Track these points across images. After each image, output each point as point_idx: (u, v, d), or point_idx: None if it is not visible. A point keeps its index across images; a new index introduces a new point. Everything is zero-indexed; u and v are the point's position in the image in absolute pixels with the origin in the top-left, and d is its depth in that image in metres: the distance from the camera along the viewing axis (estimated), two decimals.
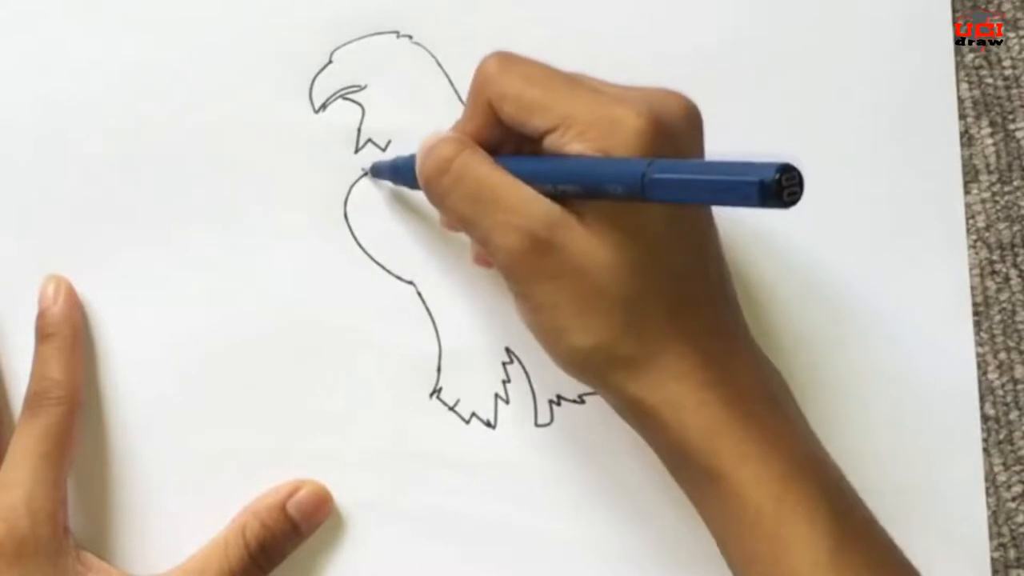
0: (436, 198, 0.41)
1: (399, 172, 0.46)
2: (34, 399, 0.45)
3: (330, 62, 0.49)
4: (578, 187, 0.37)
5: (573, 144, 0.38)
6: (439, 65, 0.49)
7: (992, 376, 0.48)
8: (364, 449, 0.48)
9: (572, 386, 0.48)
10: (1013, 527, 0.48)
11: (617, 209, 0.38)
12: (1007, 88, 0.50)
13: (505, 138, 0.41)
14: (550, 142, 0.39)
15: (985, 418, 0.48)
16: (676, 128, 0.39)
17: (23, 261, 0.48)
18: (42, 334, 0.46)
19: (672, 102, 0.40)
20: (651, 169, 0.34)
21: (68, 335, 0.46)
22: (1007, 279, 0.49)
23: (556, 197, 0.38)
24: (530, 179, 0.39)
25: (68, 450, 0.45)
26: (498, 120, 0.40)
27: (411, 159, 0.43)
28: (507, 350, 0.48)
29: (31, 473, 0.44)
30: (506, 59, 0.40)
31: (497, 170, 0.40)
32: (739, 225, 0.49)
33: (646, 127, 0.37)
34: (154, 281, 0.48)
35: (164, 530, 0.47)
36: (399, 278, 0.49)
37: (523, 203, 0.38)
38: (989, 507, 0.47)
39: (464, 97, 0.49)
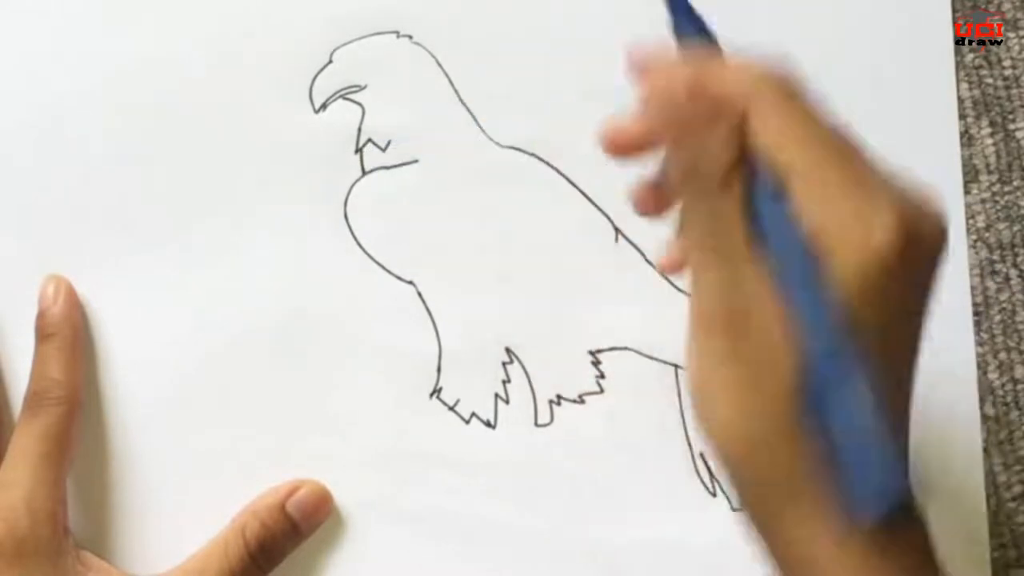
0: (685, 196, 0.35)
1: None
2: (34, 399, 0.45)
3: (330, 62, 0.49)
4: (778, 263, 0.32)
5: (811, 204, 0.32)
6: (439, 65, 0.49)
7: (992, 376, 0.48)
8: (364, 449, 0.48)
9: (572, 386, 0.48)
10: (1013, 527, 0.48)
11: None
12: (1007, 88, 0.50)
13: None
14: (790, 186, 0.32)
15: (985, 418, 0.48)
16: (923, 255, 0.33)
17: (23, 261, 0.48)
18: (42, 334, 0.46)
19: (932, 218, 0.34)
20: None
21: (68, 335, 0.46)
22: (1007, 279, 0.49)
23: None
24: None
25: (68, 450, 0.45)
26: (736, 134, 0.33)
27: None
28: (507, 350, 0.48)
29: (31, 473, 0.44)
30: (792, 82, 0.34)
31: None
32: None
33: (890, 247, 0.31)
34: (154, 281, 0.48)
35: (164, 530, 0.47)
36: (399, 278, 0.49)
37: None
38: (989, 507, 0.47)
39: (464, 98, 0.49)
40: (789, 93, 0.34)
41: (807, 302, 0.31)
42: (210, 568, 0.45)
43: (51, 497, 0.44)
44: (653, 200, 0.37)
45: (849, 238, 0.31)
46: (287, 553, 0.47)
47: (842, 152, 0.33)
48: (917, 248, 0.32)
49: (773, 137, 0.33)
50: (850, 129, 0.34)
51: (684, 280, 0.48)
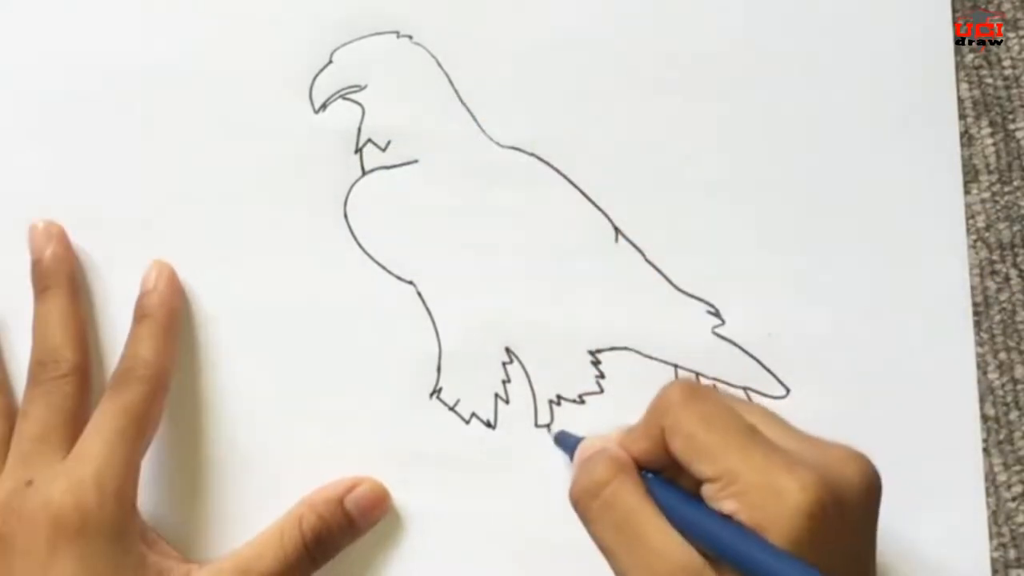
0: (583, 519, 0.40)
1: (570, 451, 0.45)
2: (120, 376, 0.46)
3: (330, 62, 0.49)
4: (729, 559, 0.36)
5: (727, 502, 0.36)
6: (439, 65, 0.49)
7: (992, 376, 0.48)
8: (364, 449, 0.48)
9: (572, 386, 0.48)
10: (1013, 527, 0.48)
11: None
12: (1007, 88, 0.50)
13: (670, 466, 0.39)
14: (707, 491, 0.37)
15: (985, 418, 0.48)
16: (848, 503, 0.36)
17: (23, 261, 0.48)
18: (138, 315, 0.47)
19: (851, 471, 0.37)
20: None
21: (162, 318, 0.47)
22: (1007, 279, 0.49)
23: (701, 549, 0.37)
24: (681, 522, 0.37)
25: (146, 429, 0.45)
26: (666, 449, 0.39)
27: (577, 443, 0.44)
28: (507, 350, 0.48)
29: (105, 448, 0.44)
30: (691, 393, 0.39)
31: (648, 506, 0.38)
32: (738, 225, 0.49)
33: (809, 506, 0.35)
34: None
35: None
36: (399, 278, 0.49)
37: (668, 548, 0.37)
38: (989, 507, 0.47)
39: (464, 98, 0.49)
40: (685, 404, 0.39)
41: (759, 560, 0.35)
42: (266, 556, 0.45)
43: (121, 474, 0.44)
44: None
45: (771, 510, 0.35)
46: (341, 547, 0.47)
47: (746, 441, 0.37)
48: (838, 497, 0.36)
49: (683, 454, 0.38)
50: (751, 407, 0.40)
51: (688, 286, 0.48)
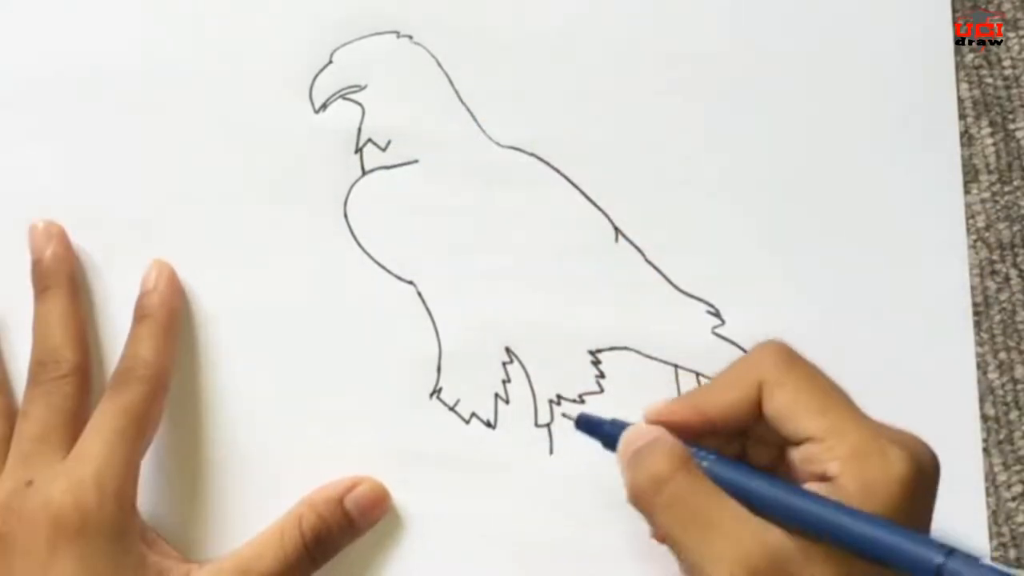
0: (646, 512, 0.38)
1: (607, 437, 0.42)
2: (120, 376, 0.46)
3: (330, 62, 0.49)
4: (839, 543, 0.34)
5: (832, 464, 0.35)
6: (439, 65, 0.49)
7: (992, 376, 0.48)
8: (364, 449, 0.48)
9: (572, 386, 0.48)
10: (1013, 527, 0.48)
11: (852, 556, 0.35)
12: (1007, 88, 0.50)
13: (739, 429, 0.38)
14: (808, 451, 0.36)
15: (985, 418, 0.48)
16: (930, 479, 0.37)
17: (23, 260, 0.48)
18: (138, 315, 0.47)
19: (927, 453, 0.37)
20: (949, 564, 0.33)
21: (162, 318, 0.47)
22: (1007, 279, 0.49)
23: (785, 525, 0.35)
24: (759, 503, 0.36)
25: (145, 429, 0.45)
26: (752, 405, 0.37)
27: (621, 428, 0.41)
28: (507, 350, 0.48)
29: (105, 448, 0.44)
30: (791, 352, 0.38)
31: (718, 494, 0.36)
32: (739, 225, 0.49)
33: (912, 477, 0.35)
34: None
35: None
36: (399, 278, 0.49)
37: (745, 534, 0.35)
38: (989, 507, 0.47)
39: (464, 98, 0.49)
40: (788, 363, 0.38)
41: (843, 523, 0.34)
42: (266, 556, 0.45)
43: (121, 474, 0.44)
44: None
45: (878, 474, 0.35)
46: (341, 547, 0.46)
47: (849, 405, 0.37)
48: (923, 477, 0.36)
49: (787, 409, 0.37)
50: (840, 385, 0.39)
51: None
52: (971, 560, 0.33)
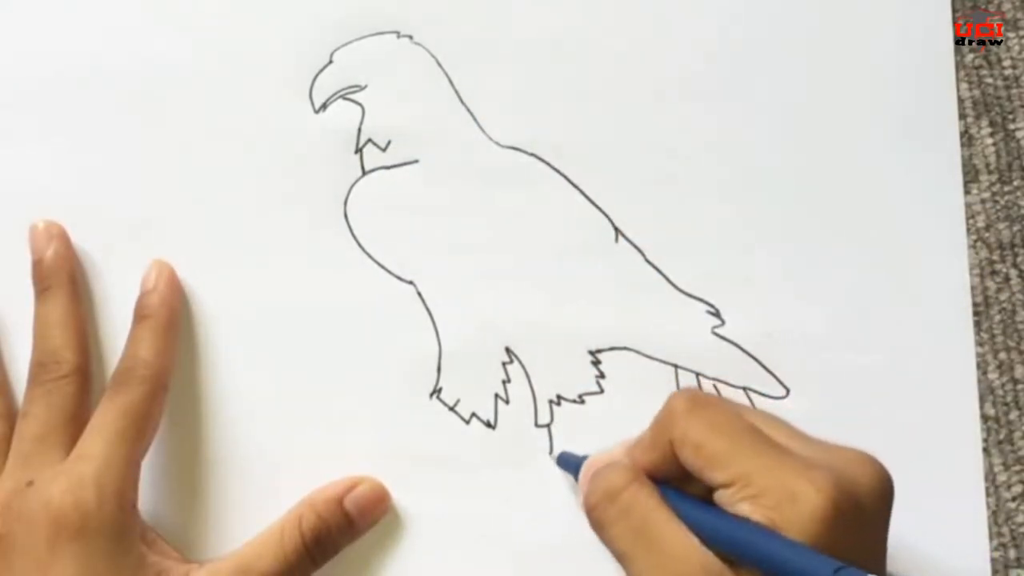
0: (598, 525, 0.40)
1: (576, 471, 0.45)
2: (120, 376, 0.46)
3: (330, 62, 0.49)
4: (748, 559, 0.36)
5: (742, 505, 0.36)
6: (439, 65, 0.49)
7: (992, 376, 0.48)
8: (364, 449, 0.48)
9: (572, 386, 0.48)
10: (1013, 527, 0.48)
11: None
12: (1007, 88, 0.50)
13: (679, 476, 0.39)
14: (721, 497, 0.37)
15: (985, 418, 0.48)
16: (862, 504, 0.36)
17: (23, 258, 0.48)
18: (138, 315, 0.47)
19: (864, 473, 0.37)
20: None
21: (162, 318, 0.47)
22: (1007, 279, 0.49)
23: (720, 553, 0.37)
24: (697, 528, 0.37)
25: (146, 430, 0.45)
26: (674, 459, 0.39)
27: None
28: (507, 350, 0.48)
29: (105, 448, 0.44)
30: (695, 401, 0.39)
31: (665, 511, 0.38)
32: (739, 225, 0.49)
33: (825, 509, 0.35)
34: None
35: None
36: (399, 278, 0.49)
37: (686, 551, 0.37)
38: (989, 507, 0.47)
39: (464, 98, 0.49)
40: (691, 414, 0.39)
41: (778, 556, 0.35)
42: (266, 556, 0.45)
43: (122, 474, 0.44)
44: None
45: (787, 512, 0.35)
46: (341, 547, 0.46)
47: (756, 445, 0.38)
48: (853, 499, 0.36)
49: (693, 463, 0.38)
50: (757, 413, 0.40)
51: (686, 284, 0.48)
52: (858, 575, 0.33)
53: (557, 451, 0.47)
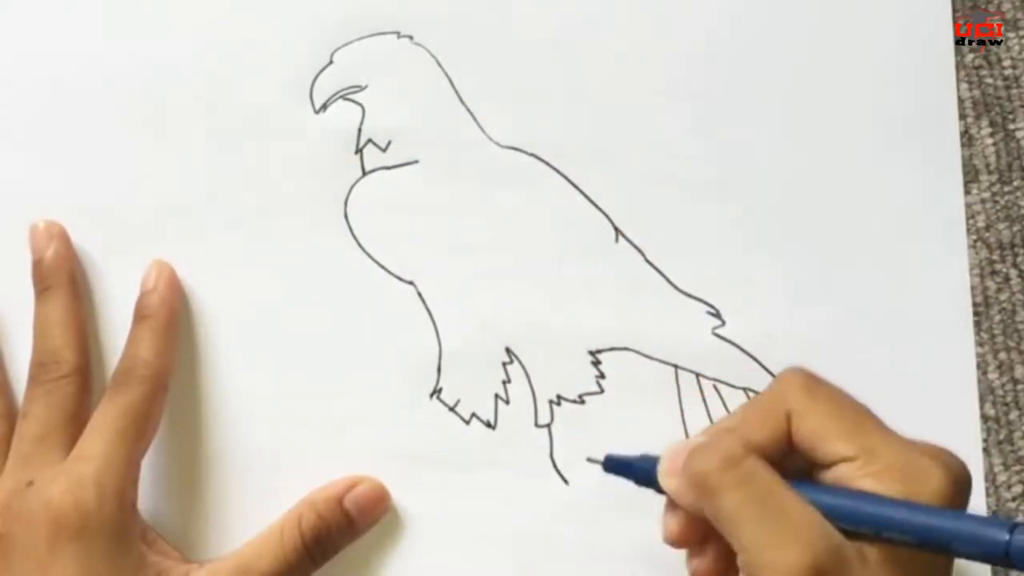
0: (710, 492, 0.37)
1: (639, 473, 0.42)
2: (120, 376, 0.46)
3: (330, 62, 0.49)
4: (889, 531, 0.35)
5: (867, 480, 0.36)
6: (440, 66, 0.49)
7: (992, 376, 0.48)
8: (364, 449, 0.48)
9: (572, 386, 0.48)
10: None
11: (906, 557, 0.35)
12: (1007, 88, 0.50)
13: (780, 458, 0.38)
14: (842, 472, 0.37)
15: (985, 418, 0.48)
16: (966, 496, 0.37)
17: (23, 258, 0.48)
18: (138, 315, 0.47)
19: (961, 466, 0.37)
20: (1015, 539, 0.33)
21: (162, 318, 0.47)
22: (1007, 279, 0.49)
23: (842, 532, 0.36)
24: (823, 510, 0.36)
25: (146, 430, 0.45)
26: (783, 436, 0.38)
27: (653, 462, 0.41)
28: (507, 350, 0.48)
29: (105, 448, 0.44)
30: (814, 378, 0.39)
31: (785, 483, 0.37)
32: (739, 225, 0.49)
33: (950, 488, 0.35)
34: None
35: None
36: (399, 278, 0.49)
37: (812, 525, 0.36)
38: (989, 507, 0.47)
39: (464, 98, 0.49)
40: (813, 389, 0.38)
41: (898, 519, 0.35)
42: (265, 556, 0.45)
43: (122, 474, 0.44)
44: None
45: (915, 489, 0.35)
46: (341, 547, 0.46)
47: (877, 422, 0.38)
48: (959, 490, 0.36)
49: (816, 434, 0.37)
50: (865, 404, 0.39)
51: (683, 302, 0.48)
52: None
53: (603, 455, 0.43)
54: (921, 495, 0.35)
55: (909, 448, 0.36)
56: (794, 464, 0.38)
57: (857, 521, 0.35)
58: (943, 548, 0.34)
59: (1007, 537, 0.33)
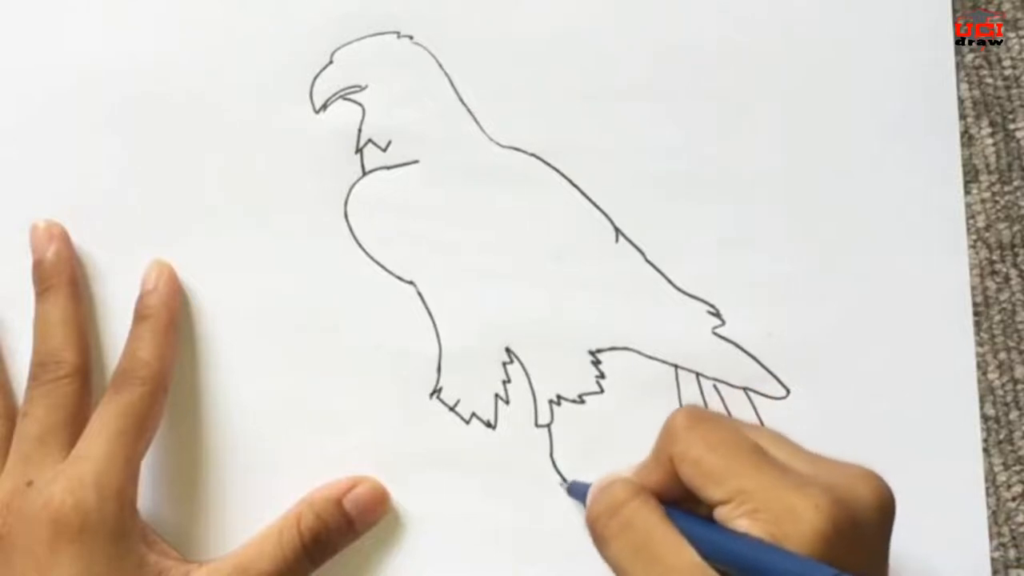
0: (599, 539, 0.40)
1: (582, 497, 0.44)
2: (120, 376, 0.46)
3: (330, 62, 0.49)
4: (750, 572, 0.36)
5: (741, 520, 0.37)
6: (440, 66, 0.49)
7: (992, 376, 0.48)
8: (364, 449, 0.48)
9: (572, 386, 0.48)
10: (1013, 527, 0.48)
11: None
12: (1007, 88, 0.50)
13: (684, 496, 0.39)
14: (720, 513, 0.38)
15: (985, 418, 0.48)
16: (861, 521, 0.37)
17: (23, 257, 0.48)
18: (138, 315, 0.47)
19: (864, 490, 0.38)
20: None
21: (163, 319, 0.47)
22: (1007, 279, 0.49)
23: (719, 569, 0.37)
24: (699, 545, 0.37)
25: (146, 430, 0.45)
26: (677, 477, 0.39)
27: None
28: (507, 350, 0.48)
29: (105, 448, 0.44)
30: (694, 417, 0.40)
31: (666, 526, 0.38)
32: (739, 225, 0.49)
33: (823, 526, 0.35)
34: None
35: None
36: (399, 278, 0.49)
37: (685, 568, 0.37)
38: (989, 507, 0.47)
39: (464, 98, 0.49)
40: (690, 430, 0.39)
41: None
42: (264, 556, 0.45)
43: (122, 474, 0.44)
44: None
45: (786, 529, 0.36)
46: (340, 548, 0.47)
47: (755, 461, 0.38)
48: (852, 516, 0.36)
49: (692, 479, 0.38)
50: (759, 430, 0.41)
51: (687, 285, 0.48)
52: None
53: (569, 480, 0.47)
54: (789, 534, 0.35)
55: (783, 487, 0.37)
56: (698, 503, 0.39)
57: (728, 561, 0.36)
58: None
59: None
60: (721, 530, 0.37)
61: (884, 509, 0.38)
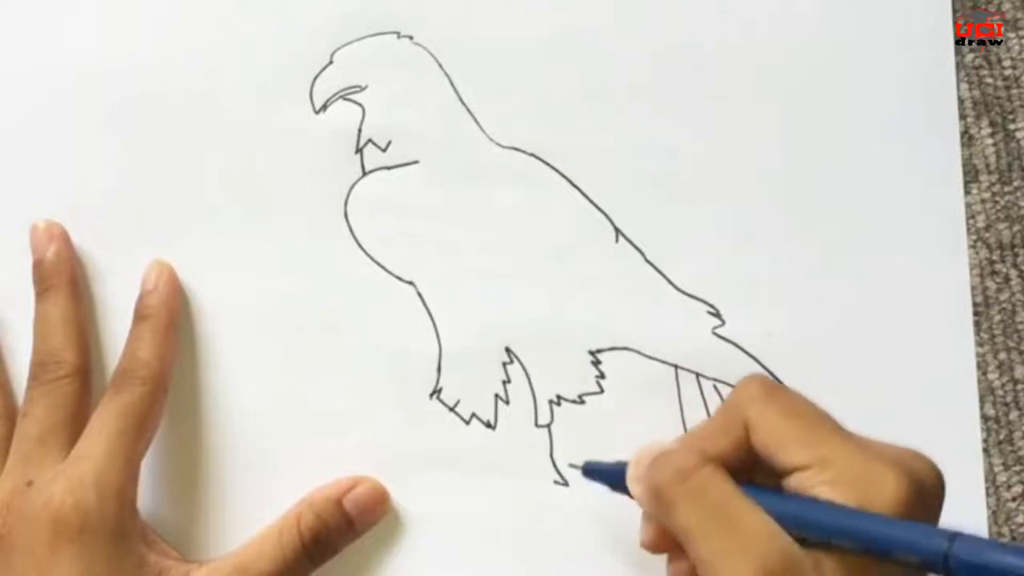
0: (667, 505, 0.38)
1: (612, 478, 0.42)
2: (120, 376, 0.46)
3: (330, 63, 0.49)
4: (840, 539, 0.35)
5: (822, 488, 0.36)
6: (440, 66, 0.49)
7: (992, 376, 0.48)
8: (364, 449, 0.48)
9: (572, 386, 0.48)
10: (1013, 527, 0.48)
11: (862, 566, 0.35)
12: (1007, 88, 0.50)
13: (743, 467, 0.38)
14: (798, 480, 0.37)
15: (985, 418, 0.48)
16: (929, 495, 0.37)
17: (22, 257, 0.48)
18: (138, 315, 0.47)
19: (927, 469, 0.37)
20: (955, 548, 0.33)
21: (163, 319, 0.47)
22: (1007, 279, 0.49)
23: (798, 539, 0.36)
24: (773, 514, 0.36)
25: (146, 430, 0.45)
26: (746, 444, 0.38)
27: (625, 467, 0.41)
28: (507, 350, 0.48)
29: (105, 448, 0.44)
30: (768, 386, 0.39)
31: (740, 493, 0.37)
32: (739, 225, 0.49)
33: (907, 494, 0.35)
34: None
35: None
36: (399, 278, 0.49)
37: (764, 535, 0.36)
38: (989, 507, 0.47)
39: (464, 98, 0.49)
40: (768, 396, 0.39)
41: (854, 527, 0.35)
42: (264, 556, 0.45)
43: (122, 474, 0.44)
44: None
45: (870, 496, 0.35)
46: (340, 548, 0.46)
47: (833, 430, 0.38)
48: (921, 495, 0.36)
49: (771, 444, 0.38)
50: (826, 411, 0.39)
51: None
52: (975, 541, 0.33)
53: (580, 462, 0.45)
54: (874, 502, 0.35)
55: (865, 455, 0.36)
56: (764, 471, 0.38)
57: (809, 529, 0.36)
58: (886, 556, 0.34)
59: (946, 546, 0.33)
60: (798, 498, 0.36)
61: (942, 486, 0.38)
